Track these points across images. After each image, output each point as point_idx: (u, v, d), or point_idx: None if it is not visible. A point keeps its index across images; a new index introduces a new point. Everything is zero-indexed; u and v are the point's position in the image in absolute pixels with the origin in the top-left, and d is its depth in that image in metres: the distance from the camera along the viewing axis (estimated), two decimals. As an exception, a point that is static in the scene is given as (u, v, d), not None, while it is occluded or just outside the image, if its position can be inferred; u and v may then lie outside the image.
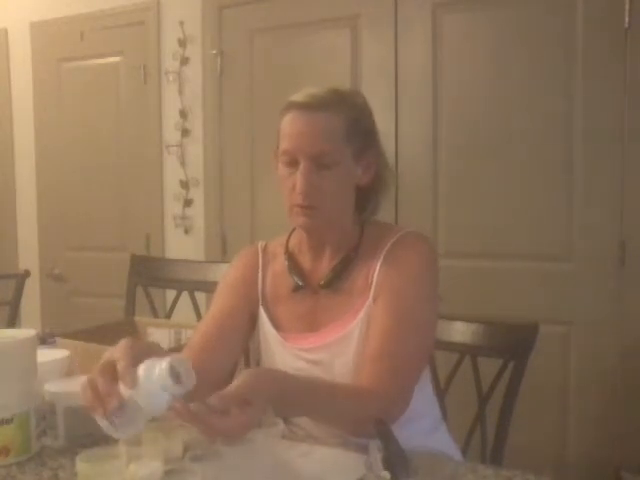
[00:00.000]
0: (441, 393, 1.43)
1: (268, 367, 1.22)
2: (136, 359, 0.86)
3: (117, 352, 0.88)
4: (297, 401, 0.98)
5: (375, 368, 1.08)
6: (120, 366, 0.85)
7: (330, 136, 1.12)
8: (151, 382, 0.84)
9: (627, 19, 2.08)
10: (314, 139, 1.11)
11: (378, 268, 1.17)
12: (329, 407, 1.02)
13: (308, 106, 1.12)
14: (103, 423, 0.87)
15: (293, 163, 1.13)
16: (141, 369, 0.85)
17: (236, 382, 0.91)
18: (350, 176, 1.17)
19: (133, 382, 0.84)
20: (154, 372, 0.84)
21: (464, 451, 1.33)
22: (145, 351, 0.89)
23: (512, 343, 1.35)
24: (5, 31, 3.33)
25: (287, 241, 1.29)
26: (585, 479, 2.20)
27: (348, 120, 1.13)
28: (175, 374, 0.84)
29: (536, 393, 1.89)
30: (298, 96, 1.14)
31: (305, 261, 1.25)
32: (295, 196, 1.13)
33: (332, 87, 1.16)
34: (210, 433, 0.87)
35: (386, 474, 0.83)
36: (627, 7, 2.08)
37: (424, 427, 1.18)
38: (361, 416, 1.01)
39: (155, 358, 0.86)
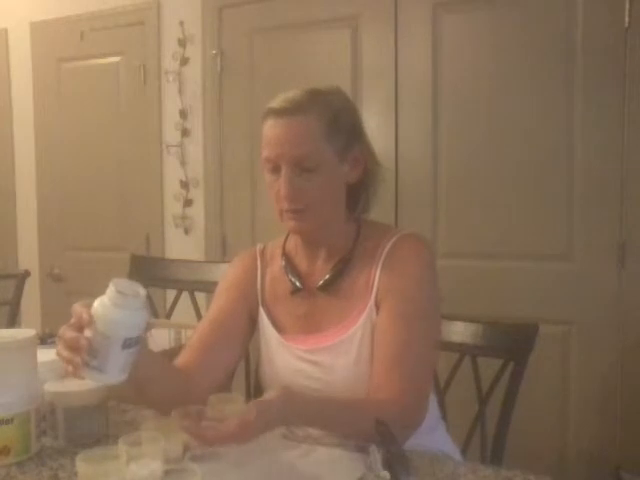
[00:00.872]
0: (441, 393, 1.44)
1: (287, 384, 1.15)
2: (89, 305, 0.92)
3: (72, 312, 0.93)
4: (312, 421, 1.01)
5: (391, 377, 1.08)
6: (75, 313, 0.91)
7: (308, 138, 1.11)
8: (104, 307, 0.89)
9: (627, 19, 2.08)
10: (292, 143, 1.11)
11: (379, 272, 1.16)
12: (348, 425, 1.02)
13: (284, 111, 1.12)
14: (89, 374, 0.90)
15: (276, 169, 1.14)
16: (93, 305, 0.91)
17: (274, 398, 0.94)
18: (336, 175, 1.16)
19: (90, 317, 0.89)
20: (103, 299, 0.90)
21: (464, 451, 1.34)
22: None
23: (512, 343, 1.35)
24: (5, 31, 3.33)
25: (284, 243, 1.29)
26: (585, 479, 2.20)
27: (326, 119, 1.13)
28: (121, 291, 0.89)
29: (536, 393, 1.89)
30: (275, 102, 1.14)
31: (301, 263, 1.25)
32: (281, 201, 1.14)
33: (309, 88, 1.16)
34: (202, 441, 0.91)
35: (386, 474, 0.83)
36: (627, 7, 2.07)
37: (423, 426, 1.18)
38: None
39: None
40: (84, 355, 0.88)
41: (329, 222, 1.19)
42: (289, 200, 1.12)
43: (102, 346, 0.89)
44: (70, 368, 0.91)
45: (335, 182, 1.17)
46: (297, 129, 1.11)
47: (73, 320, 0.92)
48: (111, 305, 0.89)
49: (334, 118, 1.14)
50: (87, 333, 0.89)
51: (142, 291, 0.92)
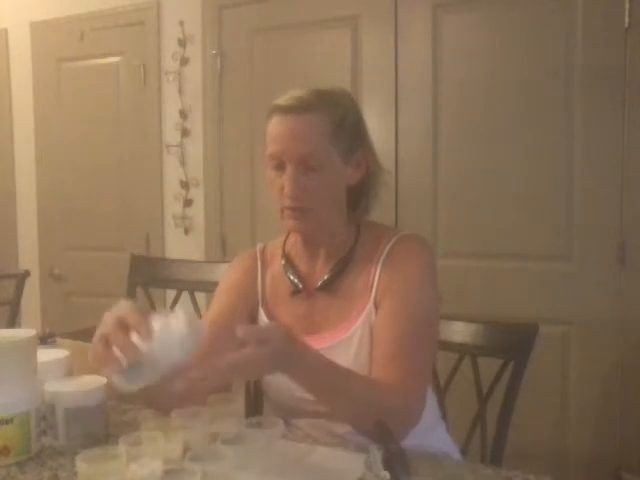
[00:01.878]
0: (441, 393, 1.43)
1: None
2: (144, 315, 0.87)
3: (122, 310, 0.88)
4: (316, 373, 1.00)
5: (389, 370, 1.08)
6: (134, 319, 0.86)
7: (315, 138, 1.11)
8: (169, 332, 0.85)
9: (627, 19, 2.08)
10: (299, 142, 1.11)
11: (378, 272, 1.17)
12: (348, 389, 1.02)
13: (291, 109, 1.11)
14: (116, 378, 0.87)
15: (280, 166, 1.13)
16: (155, 321, 0.86)
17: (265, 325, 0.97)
18: (339, 176, 1.17)
19: (150, 334, 0.85)
20: (171, 322, 0.86)
21: (464, 451, 1.33)
22: (146, 310, 0.91)
23: (512, 343, 1.35)
24: (5, 31, 3.33)
25: (284, 243, 1.29)
26: (585, 479, 2.20)
27: (333, 120, 1.13)
28: (189, 322, 0.86)
29: (536, 393, 1.89)
30: (281, 99, 1.14)
31: (301, 264, 1.25)
32: (284, 199, 1.13)
33: (316, 88, 1.16)
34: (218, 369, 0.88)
35: (386, 474, 0.83)
36: (627, 7, 2.08)
37: (423, 426, 1.18)
38: (382, 406, 1.01)
39: (163, 314, 0.88)
40: (127, 362, 0.85)
41: (329, 224, 1.19)
42: (292, 198, 1.12)
43: (147, 364, 0.85)
44: (102, 368, 0.88)
45: (337, 183, 1.17)
46: (304, 127, 1.11)
47: (121, 323, 0.87)
48: (176, 334, 0.85)
49: (340, 119, 1.14)
50: (136, 341, 0.85)
51: (204, 333, 0.89)
